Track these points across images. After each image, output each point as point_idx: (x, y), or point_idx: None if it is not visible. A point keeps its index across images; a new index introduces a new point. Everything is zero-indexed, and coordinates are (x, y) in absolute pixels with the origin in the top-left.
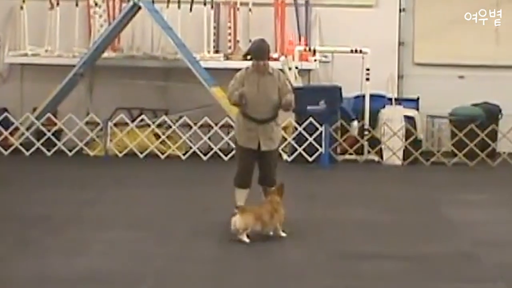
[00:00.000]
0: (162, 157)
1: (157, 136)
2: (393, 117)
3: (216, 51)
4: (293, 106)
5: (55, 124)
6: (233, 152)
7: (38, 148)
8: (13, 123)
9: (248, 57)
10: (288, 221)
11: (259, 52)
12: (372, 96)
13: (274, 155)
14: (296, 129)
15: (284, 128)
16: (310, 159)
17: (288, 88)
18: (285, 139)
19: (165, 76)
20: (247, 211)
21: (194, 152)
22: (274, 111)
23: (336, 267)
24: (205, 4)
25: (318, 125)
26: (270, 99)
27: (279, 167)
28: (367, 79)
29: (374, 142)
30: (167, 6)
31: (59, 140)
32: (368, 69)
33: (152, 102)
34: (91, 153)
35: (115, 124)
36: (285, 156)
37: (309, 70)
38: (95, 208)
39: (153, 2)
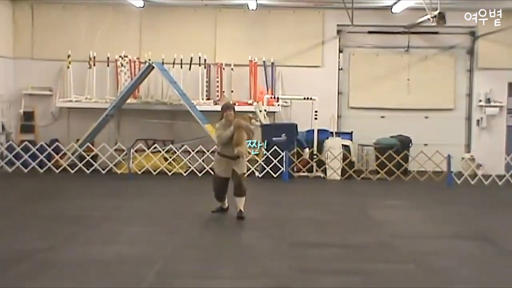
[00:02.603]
0: (170, 174)
1: (166, 159)
2: (334, 145)
3: (208, 98)
4: (239, 146)
5: (93, 150)
6: None
7: (80, 168)
8: (62, 150)
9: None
10: (258, 220)
11: (226, 107)
12: (319, 130)
13: (242, 176)
14: (265, 154)
15: (257, 154)
16: (275, 175)
17: (252, 129)
18: (257, 161)
19: (172, 116)
20: None
21: (193, 170)
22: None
23: (293, 252)
24: (200, 65)
25: (280, 151)
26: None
27: (252, 181)
28: (316, 118)
29: (321, 163)
30: (173, 66)
31: (95, 162)
32: (316, 111)
33: (162, 135)
34: (119, 171)
35: (136, 151)
36: (257, 173)
37: (274, 112)
38: (122, 211)
39: (163, 63)
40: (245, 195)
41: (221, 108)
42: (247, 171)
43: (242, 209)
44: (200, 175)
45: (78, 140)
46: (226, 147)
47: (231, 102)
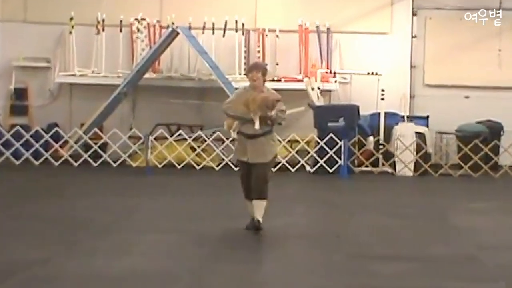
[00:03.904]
0: (198, 168)
1: (193, 149)
2: (405, 133)
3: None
4: (278, 121)
5: (101, 138)
6: None
7: (85, 160)
8: (63, 137)
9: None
10: (310, 225)
11: (251, 66)
12: (386, 114)
13: (263, 169)
14: (318, 143)
15: (308, 143)
16: (330, 171)
17: (282, 107)
18: (308, 152)
19: (200, 95)
20: None
21: (227, 163)
22: (264, 127)
23: (353, 266)
24: (236, 30)
25: (337, 140)
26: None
27: (302, 177)
28: (382, 98)
29: (388, 156)
30: (203, 32)
31: (104, 152)
32: (383, 90)
33: (189, 119)
34: (134, 164)
35: (155, 138)
36: (308, 168)
37: (330, 91)
38: (137, 214)
39: (190, 28)
40: (266, 198)
41: (248, 68)
42: (297, 163)
43: (260, 219)
44: (236, 169)
45: (82, 124)
46: (249, 123)
47: (260, 62)
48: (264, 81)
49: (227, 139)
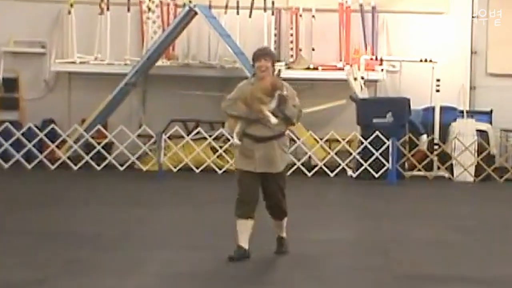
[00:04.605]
0: (219, 172)
1: (214, 150)
2: (464, 131)
3: (277, 60)
4: (292, 121)
5: (105, 136)
6: (295, 167)
7: (87, 162)
8: (60, 136)
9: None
10: (352, 240)
11: (258, 52)
12: (442, 108)
13: (276, 182)
14: (362, 143)
15: (349, 142)
16: (376, 175)
17: (296, 101)
18: (350, 154)
19: (223, 86)
20: None
21: None
22: (278, 128)
23: None
24: (265, 10)
25: (385, 139)
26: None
27: (343, 183)
28: (437, 90)
29: (444, 158)
30: (225, 12)
31: (109, 153)
32: (438, 80)
33: (209, 114)
34: (144, 168)
35: (169, 137)
36: (349, 172)
37: (375, 81)
38: (147, 226)
39: (210, 7)
40: (286, 216)
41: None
42: (337, 166)
43: (284, 235)
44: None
45: (83, 121)
46: (254, 120)
47: (267, 47)
48: (273, 71)
49: None
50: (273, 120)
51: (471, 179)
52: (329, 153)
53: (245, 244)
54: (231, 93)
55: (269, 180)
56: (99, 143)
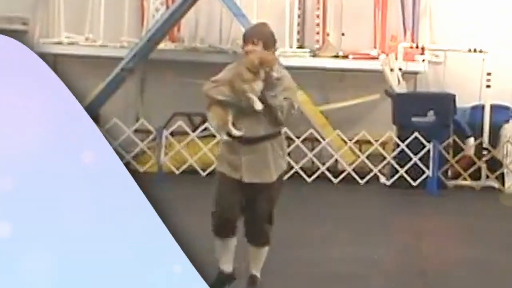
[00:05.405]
0: None
1: None
2: None
3: (300, 46)
4: (277, 114)
5: None
6: (319, 172)
7: None
8: None
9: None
10: (387, 259)
11: (248, 33)
12: (493, 107)
13: (266, 196)
14: (398, 145)
15: (383, 144)
16: (414, 184)
17: (289, 94)
18: (384, 158)
19: None
20: None
21: None
22: (271, 127)
23: None
24: None
25: (425, 142)
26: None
27: (375, 192)
28: (488, 86)
29: (495, 165)
30: None
31: None
32: (489, 74)
33: None
34: (141, 169)
35: (171, 133)
36: (383, 179)
37: (415, 73)
38: None
39: None
40: (269, 243)
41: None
42: (368, 172)
43: (258, 274)
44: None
45: None
46: (241, 117)
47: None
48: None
49: None
50: (259, 105)
51: None
52: (359, 157)
53: (227, 268)
54: (218, 75)
55: (258, 192)
56: None
